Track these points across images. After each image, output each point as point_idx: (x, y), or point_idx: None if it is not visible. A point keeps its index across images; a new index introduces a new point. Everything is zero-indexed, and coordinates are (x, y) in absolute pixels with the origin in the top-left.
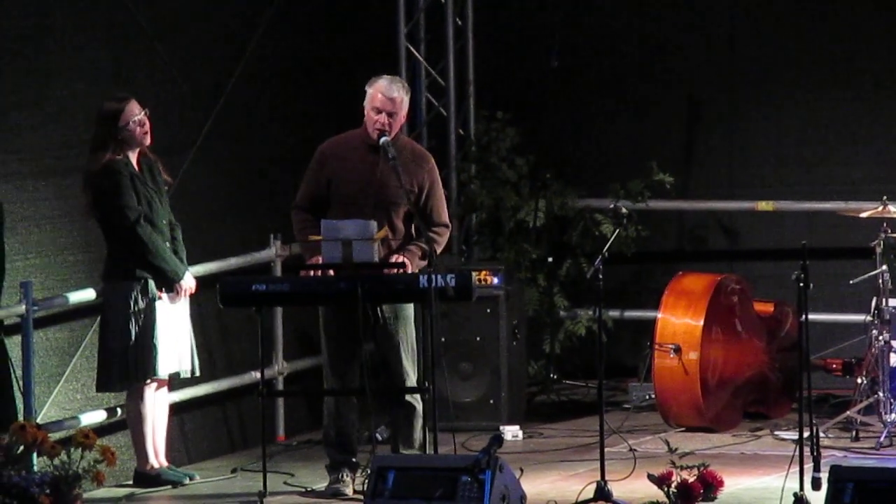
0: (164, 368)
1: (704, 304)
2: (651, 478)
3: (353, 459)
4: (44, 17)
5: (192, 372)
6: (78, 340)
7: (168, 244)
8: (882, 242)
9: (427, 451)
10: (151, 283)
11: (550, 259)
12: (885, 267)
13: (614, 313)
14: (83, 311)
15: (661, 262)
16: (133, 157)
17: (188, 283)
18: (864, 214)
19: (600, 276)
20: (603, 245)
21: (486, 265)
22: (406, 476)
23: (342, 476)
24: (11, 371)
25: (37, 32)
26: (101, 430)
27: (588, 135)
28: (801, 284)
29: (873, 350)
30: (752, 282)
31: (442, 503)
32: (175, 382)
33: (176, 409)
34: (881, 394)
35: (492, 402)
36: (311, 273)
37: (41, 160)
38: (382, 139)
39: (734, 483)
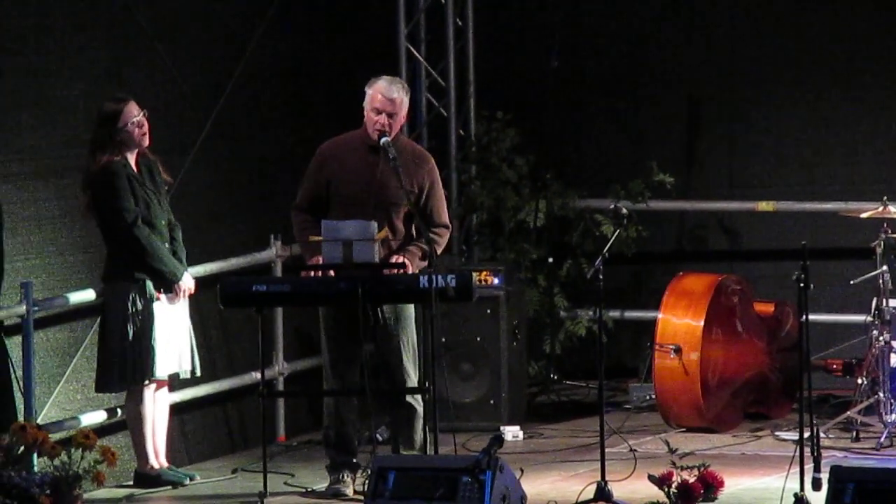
0: (163, 369)
1: (705, 304)
2: (651, 478)
3: (354, 460)
4: (44, 18)
5: (193, 372)
6: (78, 341)
7: (167, 245)
8: (882, 243)
9: (427, 452)
10: (149, 285)
11: (551, 259)
12: (885, 267)
13: (615, 314)
14: (83, 311)
15: (661, 262)
16: (132, 158)
17: (187, 283)
18: (864, 215)
19: (601, 277)
20: (603, 245)
21: (486, 265)
22: (406, 476)
23: (342, 477)
24: (12, 371)
25: (37, 33)
26: (101, 430)
27: (588, 135)
28: (802, 285)
29: (874, 350)
30: (753, 282)
31: None
32: (175, 383)
33: (176, 410)
34: (881, 394)
35: (492, 402)
36: (312, 273)
37: (41, 160)
38: (383, 140)
39: (734, 483)
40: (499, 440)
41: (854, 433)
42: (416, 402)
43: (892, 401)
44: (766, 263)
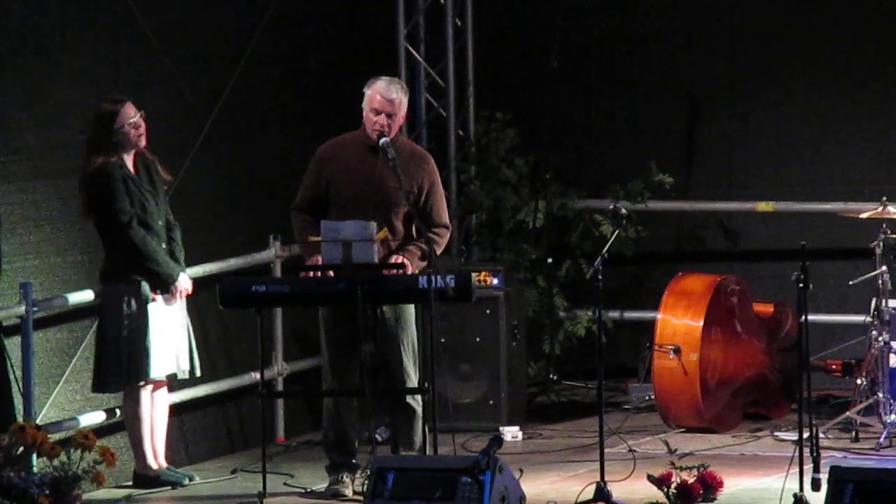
0: (158, 370)
1: (704, 304)
2: (651, 478)
3: (353, 461)
4: (44, 18)
5: (192, 372)
6: (77, 341)
7: (164, 245)
8: (881, 243)
9: (427, 452)
10: (145, 286)
11: (550, 260)
12: (884, 268)
13: (614, 314)
14: (83, 311)
15: (660, 262)
16: (129, 158)
17: (183, 284)
18: (863, 215)
19: (600, 277)
20: (602, 246)
21: (485, 266)
22: (406, 477)
23: (342, 477)
24: (11, 372)
25: (37, 33)
26: (100, 430)
27: (587, 135)
28: (801, 285)
29: (873, 351)
30: (752, 282)
31: None
32: (175, 383)
33: (176, 410)
34: (881, 394)
35: (491, 402)
36: (311, 274)
37: (41, 161)
38: (382, 140)
39: (734, 484)
40: (498, 440)
41: (853, 433)
42: (416, 402)
43: (892, 401)
44: (766, 264)
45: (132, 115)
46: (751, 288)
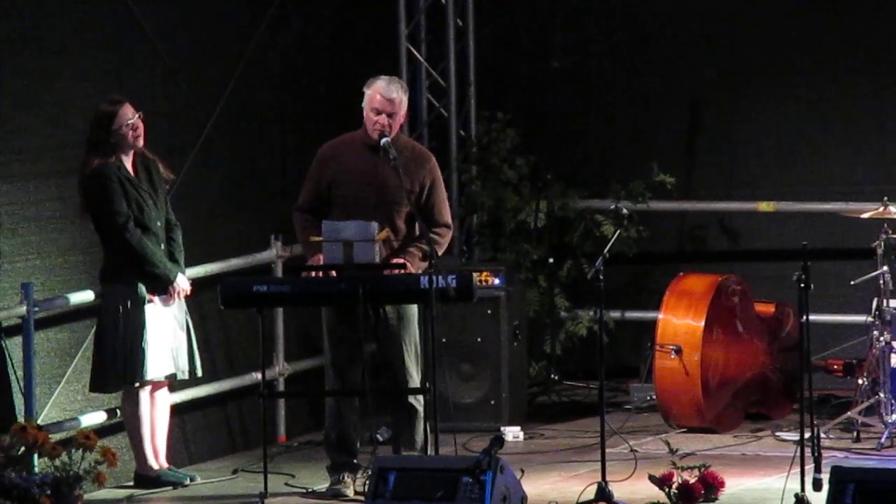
0: (155, 371)
1: (705, 304)
2: (652, 479)
3: (354, 461)
4: (44, 18)
5: (193, 373)
6: (79, 341)
7: (164, 246)
8: (883, 243)
9: (428, 452)
10: (142, 287)
11: (551, 260)
12: (885, 268)
13: (615, 314)
14: (84, 312)
15: (661, 262)
16: (127, 159)
17: (181, 285)
18: (864, 215)
19: (601, 277)
20: (604, 246)
21: (486, 266)
22: (407, 477)
23: (343, 477)
24: (12, 372)
25: (37, 33)
26: (101, 431)
27: (589, 135)
28: (802, 285)
29: (874, 351)
30: (753, 282)
31: None
32: (176, 383)
33: (177, 410)
34: (882, 394)
35: (493, 402)
36: (313, 274)
37: (42, 161)
38: (383, 140)
39: (735, 484)
40: (499, 441)
41: (855, 433)
42: (418, 402)
43: (893, 401)
44: (767, 264)
45: (130, 117)
46: (752, 288)
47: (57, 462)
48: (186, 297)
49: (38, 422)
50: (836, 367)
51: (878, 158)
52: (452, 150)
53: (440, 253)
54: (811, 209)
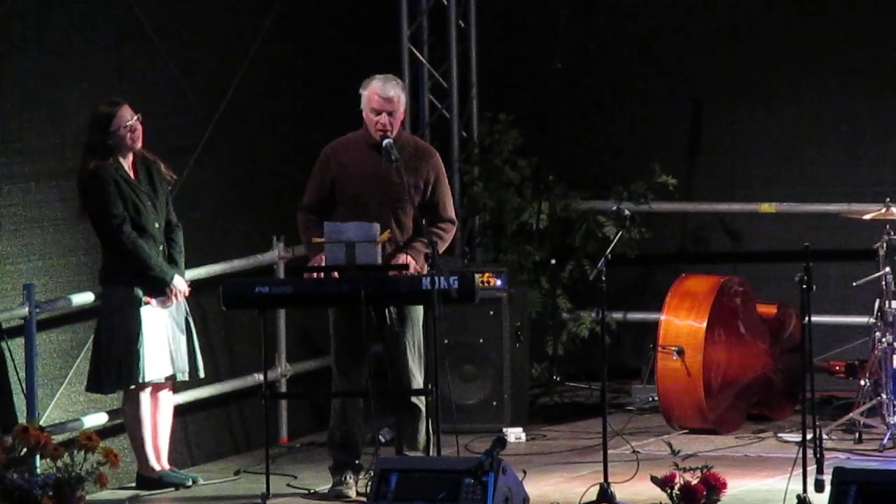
0: (153, 373)
1: (707, 305)
2: (654, 480)
3: (357, 461)
4: (46, 19)
5: (193, 374)
6: (81, 342)
7: (163, 247)
8: (885, 244)
9: (430, 453)
10: (138, 289)
11: (553, 261)
12: (888, 269)
13: (617, 315)
14: (86, 313)
15: (663, 263)
16: (126, 160)
17: (178, 286)
18: (867, 216)
19: (603, 278)
20: (606, 247)
21: (488, 267)
22: (409, 478)
23: (345, 478)
24: (14, 373)
25: (39, 34)
26: (103, 432)
27: (591, 137)
28: (804, 286)
29: (876, 352)
30: (755, 284)
31: None
32: (178, 385)
33: (179, 411)
34: (884, 396)
35: (495, 403)
36: (315, 275)
37: (44, 162)
38: (385, 141)
39: (737, 485)
40: (501, 442)
41: (857, 435)
42: (421, 402)
43: (895, 402)
44: (769, 265)
45: (128, 118)
46: (754, 289)
47: (59, 463)
48: (190, 298)
49: (41, 423)
50: (838, 368)
51: (880, 160)
52: (454, 152)
53: (445, 247)
54: (813, 210)
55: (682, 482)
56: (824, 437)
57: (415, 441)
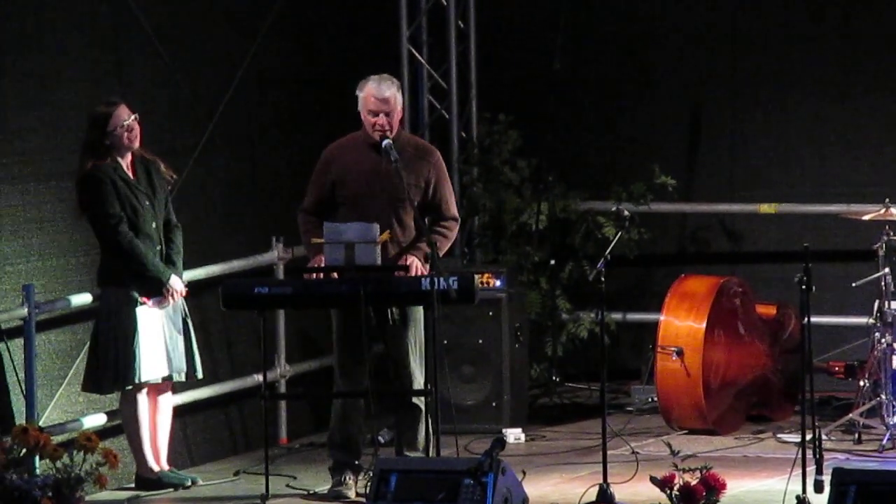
0: (149, 374)
1: (707, 306)
2: (653, 480)
3: (357, 462)
4: (46, 20)
5: (191, 375)
6: (80, 343)
7: (160, 247)
8: (884, 245)
9: (429, 454)
10: (135, 289)
11: (553, 262)
12: (887, 269)
13: (617, 316)
14: (85, 314)
15: (663, 264)
16: (125, 160)
17: (175, 286)
18: (866, 217)
19: (602, 279)
20: (605, 247)
21: (488, 268)
22: (408, 479)
23: (345, 479)
24: (14, 374)
25: (39, 35)
26: (103, 432)
27: (590, 137)
28: (804, 287)
29: (876, 353)
30: (755, 284)
31: None
32: (177, 385)
33: (178, 412)
34: (884, 396)
35: (494, 404)
36: (314, 276)
37: (43, 163)
38: (385, 142)
39: (737, 486)
40: (501, 442)
41: (856, 435)
42: (421, 402)
43: (894, 403)
44: (768, 265)
45: (125, 118)
46: (753, 290)
47: (58, 464)
48: (189, 298)
49: (40, 424)
50: (837, 368)
51: (879, 160)
52: (454, 152)
53: (449, 245)
54: (813, 211)
55: (681, 483)
56: (823, 437)
57: (415, 441)
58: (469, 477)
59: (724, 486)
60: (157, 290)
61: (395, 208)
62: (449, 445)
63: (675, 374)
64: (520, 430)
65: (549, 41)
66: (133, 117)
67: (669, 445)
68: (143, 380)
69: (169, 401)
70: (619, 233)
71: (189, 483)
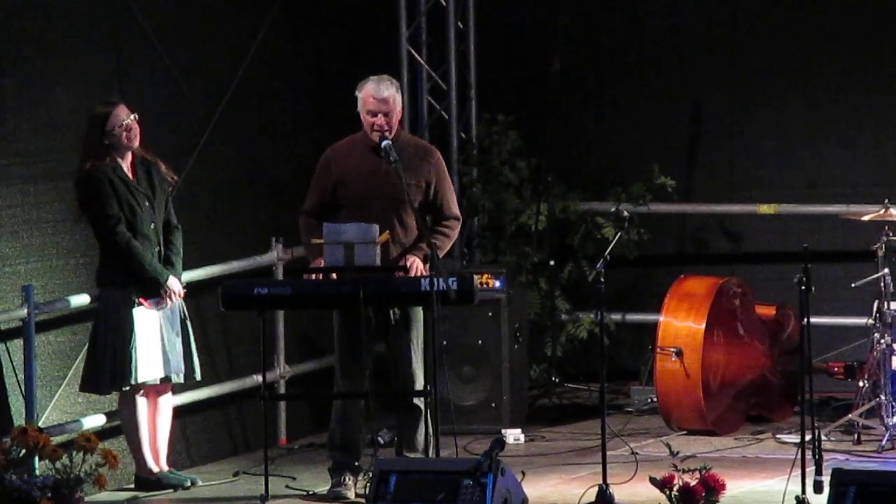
0: (145, 374)
1: (706, 307)
2: (653, 481)
3: (356, 462)
4: (46, 20)
5: (189, 376)
6: (79, 344)
7: (159, 248)
8: (884, 245)
9: (429, 455)
10: (132, 290)
11: (552, 262)
12: (886, 270)
13: (616, 316)
14: (84, 314)
15: (662, 265)
16: (124, 161)
17: (173, 287)
18: (865, 218)
19: (602, 280)
20: (605, 248)
21: (487, 268)
22: (408, 480)
23: (344, 479)
24: (13, 375)
25: (39, 35)
26: (102, 433)
27: (590, 138)
28: (803, 287)
29: (875, 353)
30: (754, 285)
31: None
32: (177, 386)
33: (178, 413)
34: (883, 397)
35: (493, 405)
36: (314, 276)
37: (42, 163)
38: (384, 143)
39: (736, 486)
40: (500, 443)
41: (855, 436)
42: (421, 403)
43: (894, 403)
44: (768, 266)
45: (124, 118)
46: (753, 290)
47: (58, 464)
48: (188, 299)
49: (39, 424)
50: (836, 369)
51: (878, 161)
52: (453, 153)
53: (450, 244)
54: (812, 211)
55: (680, 483)
56: (823, 438)
57: (414, 441)
58: (468, 477)
59: (723, 486)
60: (155, 292)
61: (396, 209)
62: (448, 446)
63: (674, 374)
64: (519, 430)
65: (549, 41)
66: (132, 117)
67: (669, 446)
68: (139, 380)
69: (169, 402)
70: (619, 233)
71: (189, 484)
